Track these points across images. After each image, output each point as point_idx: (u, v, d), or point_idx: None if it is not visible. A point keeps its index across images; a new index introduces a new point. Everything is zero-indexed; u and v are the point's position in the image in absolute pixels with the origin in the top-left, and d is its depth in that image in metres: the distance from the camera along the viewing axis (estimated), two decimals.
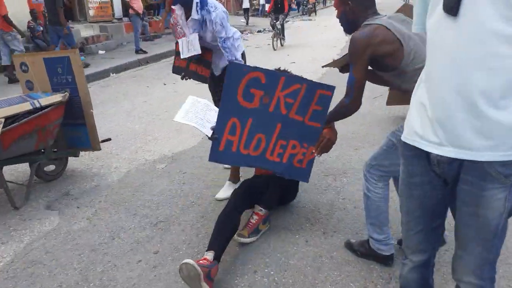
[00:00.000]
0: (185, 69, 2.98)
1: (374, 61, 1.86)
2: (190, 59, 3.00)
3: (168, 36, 13.12)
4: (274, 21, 11.27)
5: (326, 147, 2.23)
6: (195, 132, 4.49)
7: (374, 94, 5.36)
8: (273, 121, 2.17)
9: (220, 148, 2.20)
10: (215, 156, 2.23)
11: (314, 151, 2.22)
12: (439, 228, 1.43)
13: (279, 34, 11.30)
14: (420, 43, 1.85)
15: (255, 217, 2.50)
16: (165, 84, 7.04)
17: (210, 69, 3.00)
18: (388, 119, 4.72)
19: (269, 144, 2.21)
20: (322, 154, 2.37)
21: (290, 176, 2.33)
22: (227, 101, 2.11)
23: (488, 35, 1.03)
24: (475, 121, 1.10)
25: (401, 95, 4.36)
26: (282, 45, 11.49)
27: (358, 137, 4.16)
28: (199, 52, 2.84)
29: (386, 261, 2.22)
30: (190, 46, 2.84)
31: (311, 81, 2.15)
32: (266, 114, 2.15)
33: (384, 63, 1.86)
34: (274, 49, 10.82)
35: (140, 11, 10.29)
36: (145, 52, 10.07)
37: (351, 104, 1.96)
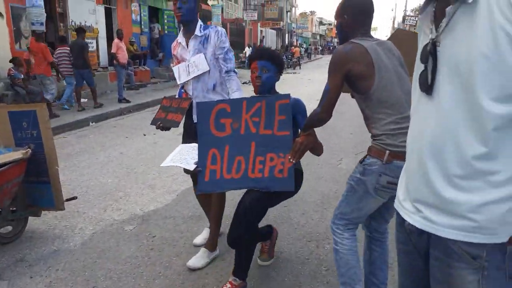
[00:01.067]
0: (163, 118, 2.80)
1: (349, 78, 1.92)
2: (169, 110, 2.80)
3: (154, 86, 13.17)
4: None
5: (299, 151, 2.17)
6: (170, 188, 4.27)
7: (357, 150, 5.25)
8: (247, 141, 2.31)
9: (205, 178, 2.34)
10: (202, 186, 2.37)
11: (290, 157, 2.20)
12: None
13: None
14: (396, 81, 1.89)
15: (228, 285, 2.43)
16: (145, 135, 6.86)
17: (184, 115, 2.73)
18: None
19: (249, 163, 2.30)
20: (298, 191, 2.42)
21: (275, 188, 2.28)
22: (203, 136, 2.35)
23: (458, 112, 1.02)
24: (435, 197, 1.07)
25: None
26: None
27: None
28: (208, 68, 2.74)
29: None
30: (191, 68, 2.78)
31: (268, 96, 2.36)
32: (239, 137, 2.32)
33: (356, 83, 1.92)
34: None
35: (125, 62, 10.31)
36: (128, 101, 9.98)
37: (321, 113, 2.00)
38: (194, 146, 2.50)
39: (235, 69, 2.83)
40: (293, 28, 46.66)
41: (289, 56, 25.42)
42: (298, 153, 2.16)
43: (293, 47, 30.68)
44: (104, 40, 12.70)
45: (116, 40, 10.23)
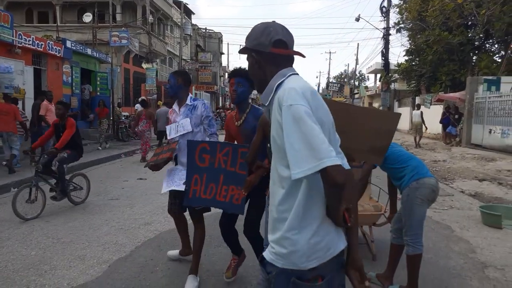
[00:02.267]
0: (156, 160, 3.57)
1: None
2: (160, 153, 3.63)
3: (86, 147, 12.67)
4: None
5: (248, 187, 2.99)
6: (101, 259, 4.07)
7: None
8: (218, 173, 3.18)
9: (189, 196, 3.25)
10: (186, 202, 3.30)
11: (243, 190, 3.03)
12: None
13: None
14: None
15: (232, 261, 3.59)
16: None
17: (173, 153, 3.56)
18: None
19: (218, 189, 3.19)
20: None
21: (231, 210, 3.23)
22: (190, 165, 3.25)
23: (272, 171, 1.61)
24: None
25: None
26: None
27: None
28: (191, 129, 3.54)
29: None
30: (179, 128, 3.58)
31: (234, 144, 3.28)
32: (213, 169, 3.19)
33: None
34: None
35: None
36: None
37: (247, 157, 2.98)
38: (177, 167, 3.60)
39: (217, 132, 3.68)
40: (226, 91, 48.38)
41: (223, 118, 26.14)
42: (247, 188, 3.00)
43: (226, 110, 31.60)
44: (32, 101, 12.22)
45: (44, 102, 9.92)
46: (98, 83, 17.24)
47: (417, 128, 16.09)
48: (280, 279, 1.49)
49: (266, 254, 1.55)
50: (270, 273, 1.52)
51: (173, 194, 3.68)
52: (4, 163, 8.67)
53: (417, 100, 23.15)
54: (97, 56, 17.15)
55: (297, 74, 1.63)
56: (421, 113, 16.23)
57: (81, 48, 15.63)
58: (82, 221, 5.38)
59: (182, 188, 3.36)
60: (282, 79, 1.58)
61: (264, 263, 1.57)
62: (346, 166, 1.56)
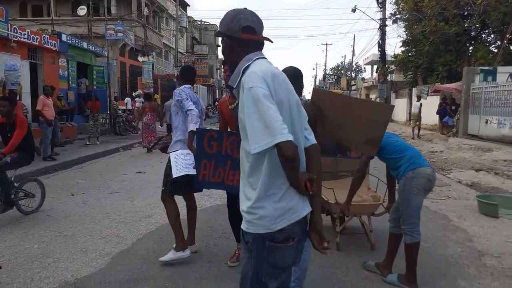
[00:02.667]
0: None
1: None
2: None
3: (81, 142, 12.70)
4: None
5: None
6: (103, 251, 4.11)
7: None
8: (225, 159, 3.44)
9: (199, 178, 3.55)
10: (196, 184, 3.65)
11: None
12: None
13: None
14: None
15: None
16: (73, 195, 6.57)
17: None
18: None
19: (225, 173, 3.46)
20: None
21: (238, 193, 3.67)
22: (198, 150, 3.53)
23: (242, 152, 1.82)
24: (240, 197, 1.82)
25: None
26: None
27: None
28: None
29: None
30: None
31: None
32: (221, 156, 3.45)
33: None
34: None
35: (52, 118, 9.95)
36: (54, 159, 9.53)
37: None
38: (183, 152, 3.81)
39: (192, 108, 3.72)
40: (223, 84, 48.19)
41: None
42: None
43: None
44: (29, 95, 12.19)
45: (41, 97, 9.89)
46: (94, 76, 17.17)
47: (416, 120, 16.46)
48: (256, 244, 1.69)
49: (242, 224, 1.75)
50: (248, 242, 1.72)
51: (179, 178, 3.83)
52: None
53: (414, 91, 23.19)
54: (93, 49, 17.07)
55: (264, 58, 1.77)
56: (420, 105, 16.57)
57: (76, 41, 15.54)
58: (82, 215, 5.41)
59: (194, 172, 3.64)
60: (248, 63, 1.71)
61: (243, 235, 1.77)
62: (313, 141, 1.82)
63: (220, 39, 1.95)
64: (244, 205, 1.73)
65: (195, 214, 4.20)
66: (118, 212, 5.55)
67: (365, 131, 2.74)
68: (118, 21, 19.74)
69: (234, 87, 1.74)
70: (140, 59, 22.45)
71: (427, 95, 20.34)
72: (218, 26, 1.82)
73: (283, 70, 2.56)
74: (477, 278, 3.53)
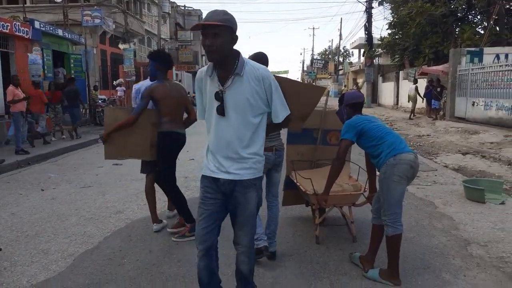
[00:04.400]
0: None
1: None
2: None
3: (58, 134, 12.23)
4: None
5: None
6: (66, 252, 3.82)
7: None
8: None
9: None
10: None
11: None
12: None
13: None
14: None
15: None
16: (43, 190, 6.22)
17: None
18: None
19: None
20: None
21: None
22: None
23: (239, 124, 2.24)
24: (238, 159, 2.28)
25: (294, 195, 4.33)
26: None
27: None
28: None
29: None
30: None
31: None
32: None
33: None
34: None
35: (23, 110, 9.51)
36: (26, 152, 9.11)
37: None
38: None
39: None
40: None
41: None
42: None
43: None
44: (0, 86, 11.64)
45: (11, 87, 9.40)
46: (72, 65, 16.58)
47: (413, 101, 17.44)
48: (259, 182, 2.39)
49: (249, 175, 2.29)
50: (255, 185, 2.33)
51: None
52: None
53: (401, 74, 23.01)
54: (70, 37, 16.41)
55: None
56: (416, 87, 17.35)
57: (51, 29, 14.90)
58: (50, 212, 5.08)
59: None
60: (245, 59, 2.30)
61: (240, 184, 2.29)
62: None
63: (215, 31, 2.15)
64: (245, 163, 2.28)
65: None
66: (88, 208, 5.24)
67: (300, 109, 2.76)
68: (95, 7, 19.02)
69: (241, 74, 2.21)
70: (121, 46, 21.79)
71: (414, 78, 20.19)
72: (227, 21, 2.12)
73: (252, 56, 3.20)
74: (463, 270, 3.32)
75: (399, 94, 23.62)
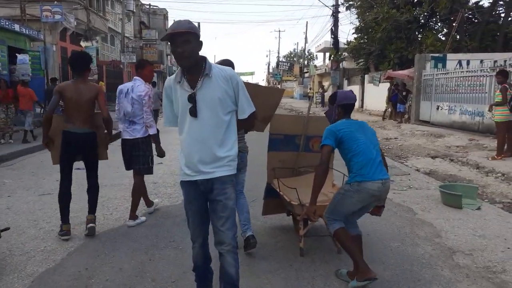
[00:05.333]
0: None
1: None
2: None
3: (14, 135, 11.41)
4: None
5: None
6: (23, 272, 3.38)
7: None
8: None
9: None
10: None
11: None
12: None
13: None
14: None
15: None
16: None
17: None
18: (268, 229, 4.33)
19: None
20: None
21: None
22: None
23: (212, 123, 2.40)
24: (212, 159, 2.42)
25: (275, 204, 4.12)
26: None
27: None
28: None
29: None
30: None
31: None
32: None
33: None
34: None
35: None
36: None
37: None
38: None
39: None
40: (174, 71, 46.58)
41: None
42: None
43: None
44: None
45: None
46: (29, 63, 15.61)
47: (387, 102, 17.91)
48: (234, 179, 2.53)
49: (224, 172, 2.44)
50: (232, 181, 2.48)
51: None
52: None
53: (366, 78, 23.42)
54: (27, 33, 15.48)
55: None
56: (391, 89, 17.60)
57: (7, 23, 13.98)
58: (4, 224, 4.58)
59: None
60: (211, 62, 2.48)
61: (218, 181, 2.44)
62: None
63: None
64: (221, 162, 2.44)
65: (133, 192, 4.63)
66: (48, 218, 4.78)
67: (261, 111, 2.94)
68: (56, 2, 18.05)
69: (210, 75, 2.40)
70: (83, 44, 20.89)
71: (380, 82, 20.55)
72: (193, 30, 2.35)
73: (219, 62, 3.32)
74: (454, 282, 3.21)
75: (364, 97, 24.02)
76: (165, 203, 5.29)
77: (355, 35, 24.50)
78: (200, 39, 2.38)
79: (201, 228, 2.57)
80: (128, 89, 4.37)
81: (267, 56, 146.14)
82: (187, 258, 3.41)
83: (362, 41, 23.70)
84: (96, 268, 3.42)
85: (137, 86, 4.36)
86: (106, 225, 4.51)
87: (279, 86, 53.78)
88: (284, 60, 64.67)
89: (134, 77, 4.50)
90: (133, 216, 4.47)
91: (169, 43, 2.38)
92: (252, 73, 59.12)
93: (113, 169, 6.68)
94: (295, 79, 54.28)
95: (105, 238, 4.11)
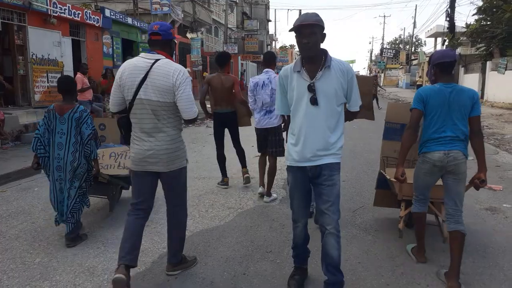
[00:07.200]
0: None
1: None
2: None
3: None
4: None
5: None
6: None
7: (355, 206, 4.35)
8: None
9: None
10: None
11: None
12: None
13: None
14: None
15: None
16: None
17: None
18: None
19: None
20: None
21: None
22: None
23: (328, 113, 2.54)
24: (326, 146, 2.56)
25: (387, 196, 3.63)
26: None
27: None
28: None
29: None
30: None
31: None
32: None
33: None
34: None
35: (90, 98, 9.39)
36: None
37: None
38: None
39: None
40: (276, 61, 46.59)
41: None
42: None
43: None
44: (71, 74, 11.75)
45: (79, 75, 9.30)
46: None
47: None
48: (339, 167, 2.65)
49: (333, 159, 2.57)
50: (339, 168, 2.61)
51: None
52: None
53: (489, 64, 20.57)
54: (139, 25, 16.43)
55: None
56: None
57: (121, 17, 14.94)
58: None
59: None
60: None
61: (330, 167, 2.56)
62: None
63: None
64: (333, 149, 2.56)
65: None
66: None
67: (363, 100, 2.93)
68: None
69: (330, 67, 2.51)
70: (189, 35, 21.73)
71: (505, 70, 17.84)
72: (316, 21, 2.42)
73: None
74: None
75: (485, 87, 21.15)
76: (261, 203, 4.88)
77: (476, 17, 21.62)
78: (324, 32, 2.48)
79: (305, 210, 2.77)
80: (264, 81, 4.79)
81: (370, 43, 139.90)
82: (285, 277, 2.93)
83: (484, 22, 20.80)
84: (186, 279, 3.10)
85: (273, 78, 4.76)
86: (200, 224, 4.21)
87: (382, 75, 50.78)
88: (388, 47, 60.85)
89: (265, 69, 4.92)
90: (268, 193, 4.95)
91: (294, 33, 2.46)
92: (353, 61, 56.68)
93: (212, 160, 6.50)
94: (401, 66, 50.72)
95: (198, 240, 3.80)
